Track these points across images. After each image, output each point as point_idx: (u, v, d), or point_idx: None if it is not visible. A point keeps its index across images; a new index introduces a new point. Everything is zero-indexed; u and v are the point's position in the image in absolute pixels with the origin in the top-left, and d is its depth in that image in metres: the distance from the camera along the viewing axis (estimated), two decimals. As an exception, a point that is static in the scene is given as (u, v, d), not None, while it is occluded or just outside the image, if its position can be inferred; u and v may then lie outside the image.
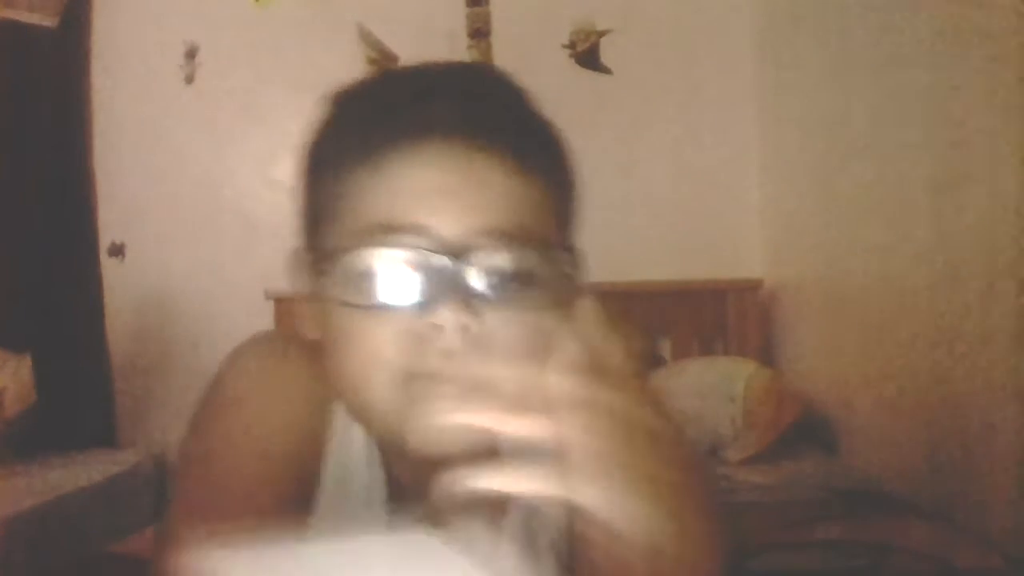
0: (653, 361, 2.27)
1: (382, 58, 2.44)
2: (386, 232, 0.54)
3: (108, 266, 2.57)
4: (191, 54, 2.55)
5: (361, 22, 2.47)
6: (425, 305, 0.53)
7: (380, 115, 0.56)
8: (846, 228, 1.96)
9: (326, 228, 0.57)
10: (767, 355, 2.33)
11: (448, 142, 0.54)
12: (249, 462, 0.59)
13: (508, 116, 0.58)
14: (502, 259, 0.54)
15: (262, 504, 0.57)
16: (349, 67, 2.31)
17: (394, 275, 0.53)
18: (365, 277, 0.54)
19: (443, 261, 0.52)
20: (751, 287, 2.40)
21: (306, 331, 0.60)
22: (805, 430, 2.00)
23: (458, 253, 0.53)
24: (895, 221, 1.71)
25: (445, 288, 0.52)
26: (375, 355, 0.54)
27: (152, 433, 2.41)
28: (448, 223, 0.53)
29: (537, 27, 2.50)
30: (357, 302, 0.54)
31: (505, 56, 2.48)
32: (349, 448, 0.63)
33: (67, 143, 2.50)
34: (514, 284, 0.54)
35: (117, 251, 2.58)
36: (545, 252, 0.56)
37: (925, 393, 1.60)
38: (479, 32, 2.50)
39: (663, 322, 2.40)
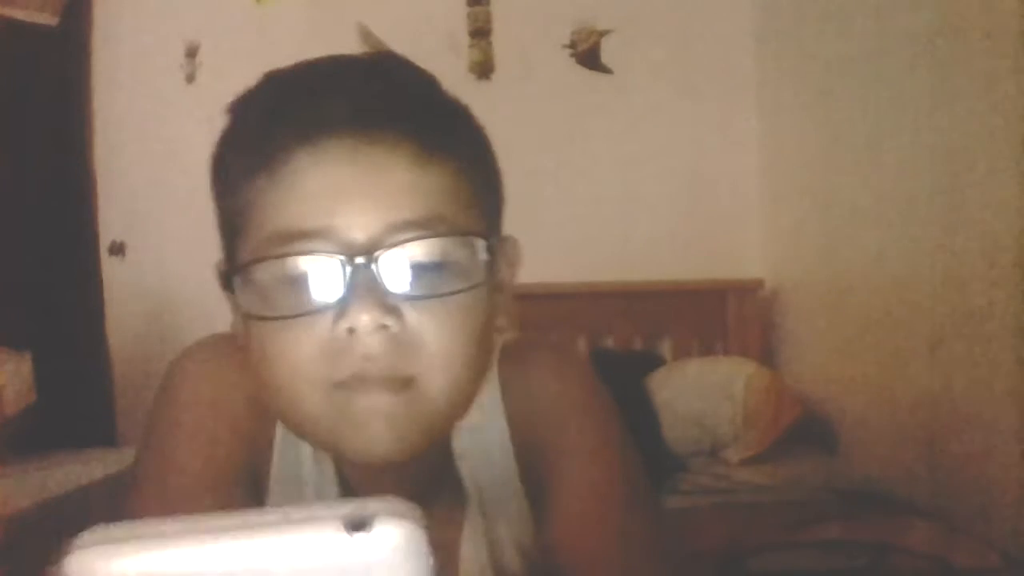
0: (652, 361, 2.27)
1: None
2: (291, 240, 0.51)
3: (108, 265, 2.57)
4: (192, 53, 2.55)
5: (361, 21, 2.48)
6: (340, 310, 0.51)
7: (272, 119, 0.54)
8: (846, 228, 1.96)
9: (237, 240, 0.56)
10: (767, 355, 2.33)
11: (343, 138, 0.52)
12: (195, 468, 0.58)
13: (406, 104, 0.54)
14: (414, 253, 0.52)
15: (209, 511, 0.57)
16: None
17: (304, 283, 0.51)
18: (275, 288, 0.52)
19: (352, 262, 0.50)
20: (751, 287, 2.40)
21: (242, 339, 0.59)
22: (805, 430, 2.00)
23: (367, 252, 0.51)
24: (895, 221, 1.72)
25: (358, 290, 0.50)
26: (296, 368, 0.52)
27: (152, 432, 2.41)
28: (353, 222, 0.51)
29: (538, 27, 2.50)
30: (267, 315, 0.52)
31: (506, 56, 2.49)
32: (296, 449, 0.62)
33: (67, 143, 2.51)
34: (430, 277, 0.52)
35: (117, 250, 2.58)
36: (460, 240, 0.53)
37: (925, 393, 1.60)
38: (480, 31, 2.50)
39: (663, 322, 2.40)
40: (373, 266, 0.51)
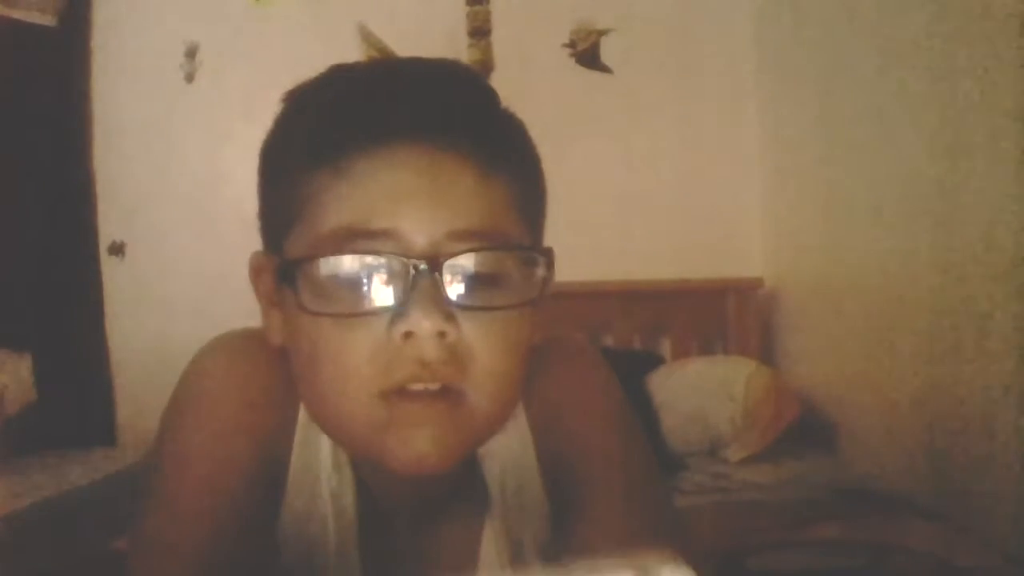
0: (652, 361, 2.27)
1: (383, 57, 2.44)
2: (354, 238, 0.51)
3: (108, 265, 2.57)
4: (191, 53, 2.55)
5: (361, 21, 2.48)
6: (397, 313, 0.50)
7: (342, 115, 0.53)
8: (846, 228, 1.96)
9: (289, 233, 0.55)
10: (767, 355, 2.33)
11: (417, 142, 0.52)
12: (213, 467, 0.57)
13: (475, 114, 0.55)
14: (475, 262, 0.52)
15: (226, 508, 0.56)
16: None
17: (364, 283, 0.51)
18: (333, 286, 0.51)
19: (415, 267, 0.50)
20: (751, 287, 2.40)
21: (271, 337, 0.58)
22: (805, 430, 2.00)
23: (430, 258, 0.50)
24: (895, 221, 1.72)
25: (419, 295, 0.50)
26: (347, 370, 0.52)
27: (152, 432, 2.41)
28: (419, 227, 0.51)
29: (537, 26, 2.50)
30: (325, 312, 0.51)
31: (505, 55, 2.49)
32: (315, 449, 0.61)
33: (67, 143, 2.50)
34: (485, 288, 0.52)
35: (117, 250, 2.58)
36: (519, 254, 0.54)
37: (925, 393, 1.60)
38: (479, 31, 2.50)
39: (663, 322, 2.40)
40: (435, 271, 0.50)
